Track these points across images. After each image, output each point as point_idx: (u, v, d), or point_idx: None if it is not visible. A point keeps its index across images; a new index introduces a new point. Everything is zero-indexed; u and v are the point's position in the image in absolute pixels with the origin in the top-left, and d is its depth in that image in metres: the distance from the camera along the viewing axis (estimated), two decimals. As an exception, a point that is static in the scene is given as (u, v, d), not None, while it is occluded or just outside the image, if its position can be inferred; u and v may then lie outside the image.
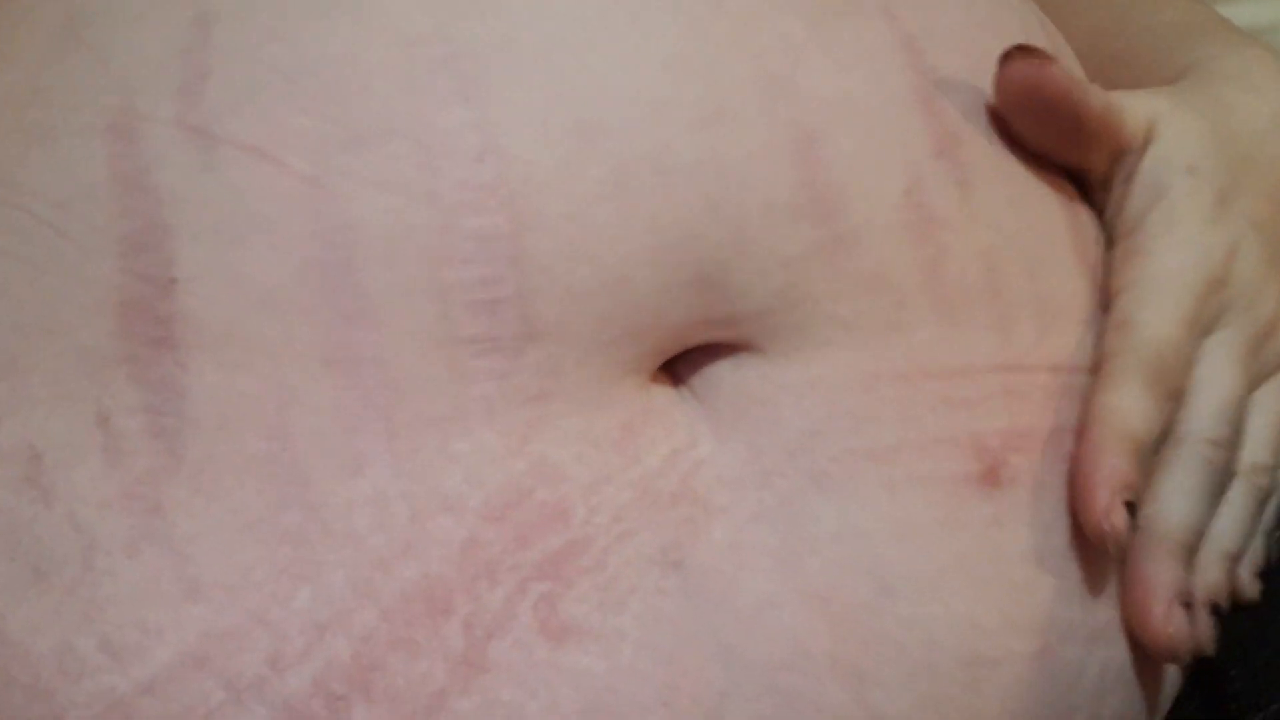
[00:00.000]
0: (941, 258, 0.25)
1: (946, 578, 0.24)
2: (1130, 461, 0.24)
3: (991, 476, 0.24)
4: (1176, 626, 0.25)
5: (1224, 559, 0.26)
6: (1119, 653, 0.26)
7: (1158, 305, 0.26)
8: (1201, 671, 0.29)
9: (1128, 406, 0.25)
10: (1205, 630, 0.25)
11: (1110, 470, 0.24)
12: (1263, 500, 0.27)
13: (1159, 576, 0.25)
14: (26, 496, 0.22)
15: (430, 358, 0.22)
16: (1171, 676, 0.27)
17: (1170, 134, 0.28)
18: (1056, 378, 0.26)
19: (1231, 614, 0.28)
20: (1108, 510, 0.24)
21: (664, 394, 0.24)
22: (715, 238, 0.23)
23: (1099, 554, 0.25)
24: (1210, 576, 0.26)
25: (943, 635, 0.24)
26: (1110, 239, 0.28)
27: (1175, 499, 0.25)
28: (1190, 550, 0.25)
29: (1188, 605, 0.25)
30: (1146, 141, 0.28)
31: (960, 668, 0.24)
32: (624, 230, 0.23)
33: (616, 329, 0.23)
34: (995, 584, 0.24)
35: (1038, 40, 0.28)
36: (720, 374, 0.25)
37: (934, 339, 0.25)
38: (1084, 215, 0.28)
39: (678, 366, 0.25)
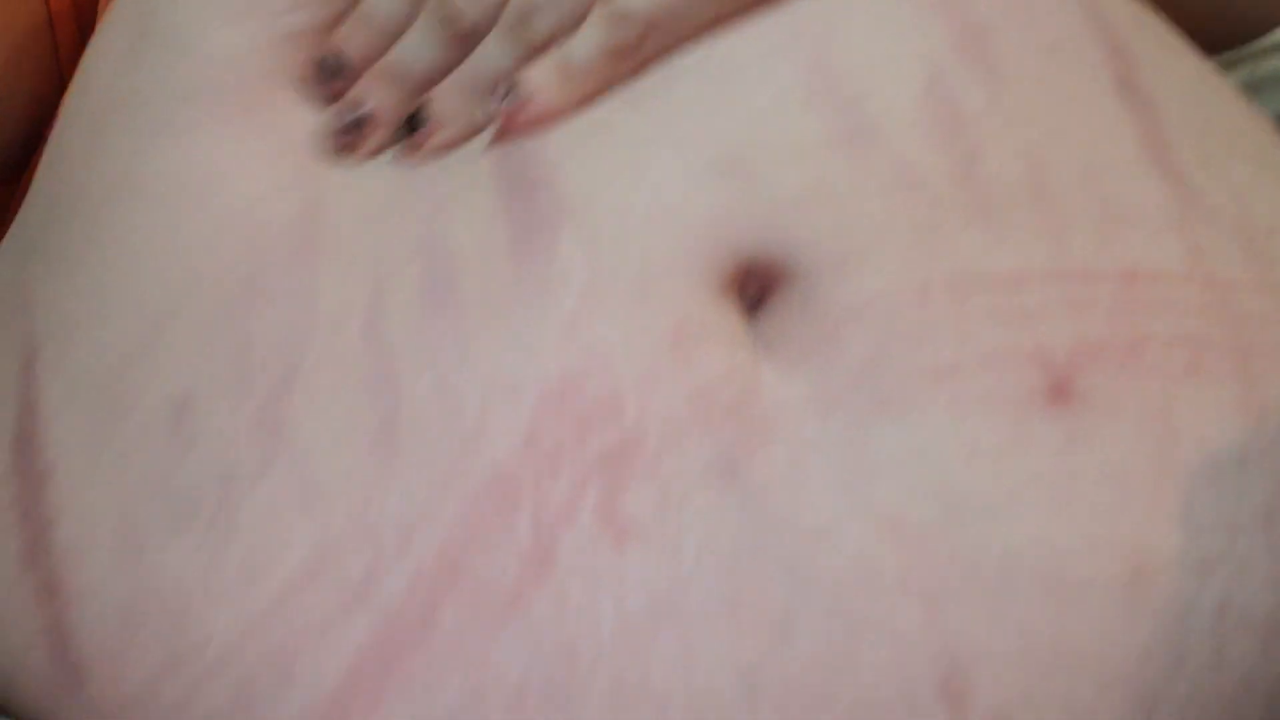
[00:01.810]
0: (974, 156, 0.25)
1: (1021, 499, 0.23)
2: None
3: (1060, 391, 0.24)
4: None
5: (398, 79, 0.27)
6: (1243, 591, 0.24)
7: None
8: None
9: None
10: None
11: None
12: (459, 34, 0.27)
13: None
14: (175, 446, 0.24)
15: (486, 241, 0.25)
16: None
17: None
18: (1132, 285, 0.25)
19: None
20: None
21: (726, 315, 0.25)
22: (726, 122, 0.25)
23: (1199, 477, 0.24)
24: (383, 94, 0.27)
25: (1021, 557, 0.23)
26: None
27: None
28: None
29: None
30: None
31: (1042, 591, 0.23)
32: None
33: (645, 206, 0.25)
34: (1074, 505, 0.23)
35: None
36: (784, 304, 0.25)
37: (979, 244, 0.24)
38: (1168, 111, 0.27)
39: (746, 309, 0.26)
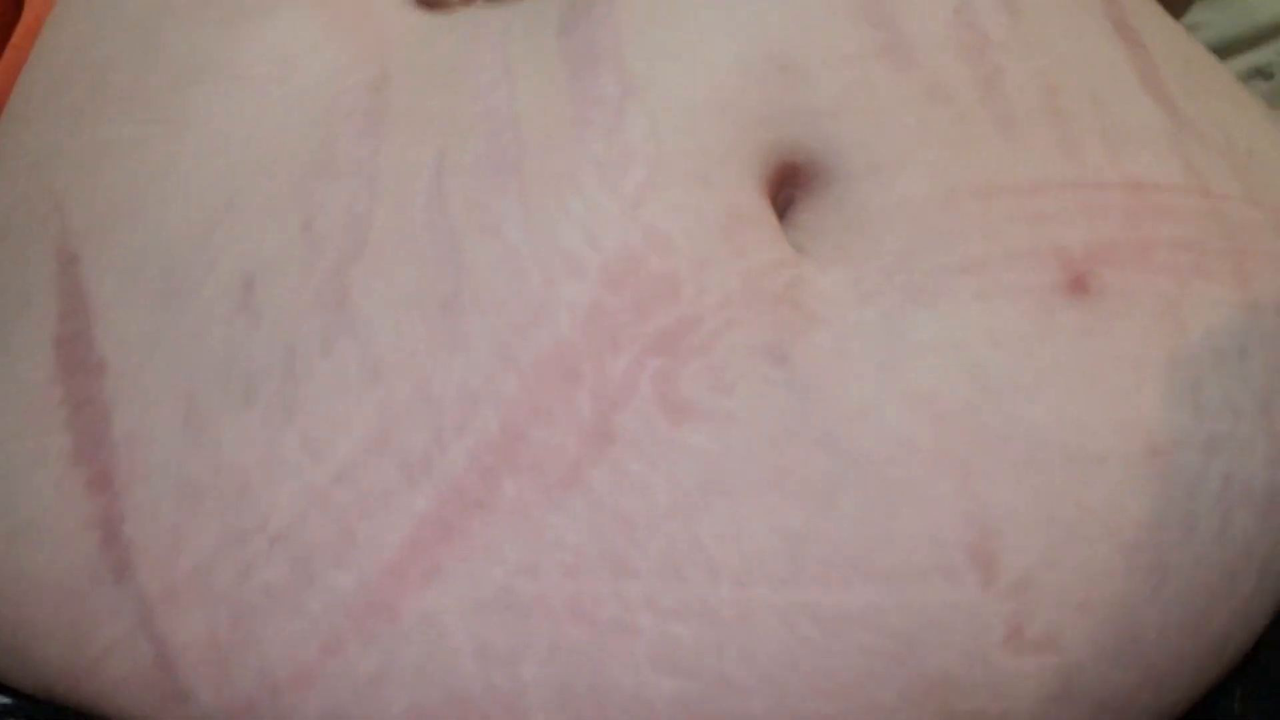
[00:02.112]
0: (997, 76, 0.27)
1: (1045, 380, 0.25)
2: None
3: (1078, 285, 0.26)
4: None
5: None
6: (1244, 469, 0.26)
7: None
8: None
9: None
10: None
11: None
12: None
13: None
14: (240, 324, 0.24)
15: (550, 114, 0.25)
16: None
17: None
18: (1138, 194, 0.27)
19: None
20: None
21: (770, 213, 0.26)
22: (781, 19, 0.26)
23: (1204, 363, 0.26)
24: None
25: (1046, 432, 0.25)
26: None
27: None
28: None
29: None
30: None
31: (1066, 462, 0.25)
32: (695, 4, 0.26)
33: (702, 92, 0.26)
34: (1095, 386, 0.25)
35: None
36: (820, 209, 0.26)
37: (1001, 155, 0.26)
38: (1156, 50, 0.29)
39: (783, 214, 0.27)
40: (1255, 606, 0.27)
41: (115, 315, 0.26)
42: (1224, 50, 0.59)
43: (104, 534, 0.24)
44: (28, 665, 0.25)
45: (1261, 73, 0.57)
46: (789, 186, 0.27)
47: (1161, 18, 0.31)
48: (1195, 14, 0.59)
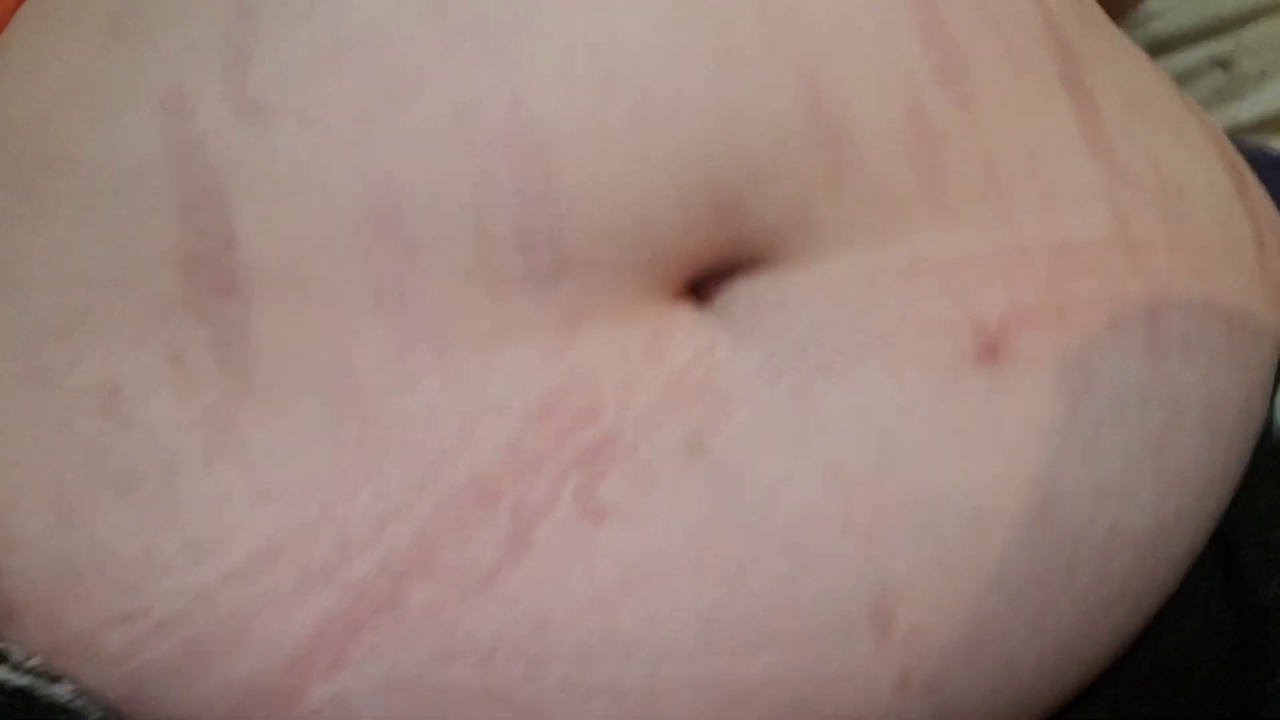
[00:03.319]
0: (941, 169, 0.27)
1: (947, 443, 0.26)
2: None
3: (989, 352, 0.26)
4: None
5: None
6: (1130, 514, 0.27)
7: None
8: (1215, 545, 0.30)
9: None
10: None
11: None
12: None
13: None
14: (108, 424, 0.24)
15: (473, 289, 0.24)
16: (1185, 544, 0.29)
17: None
18: (1063, 255, 0.27)
19: (1245, 491, 0.29)
20: None
21: (687, 311, 0.27)
22: (730, 172, 0.25)
23: (1105, 417, 0.27)
24: None
25: (944, 495, 0.25)
26: None
27: None
28: None
29: None
30: None
31: (962, 523, 0.25)
32: (645, 169, 0.25)
33: (642, 256, 0.25)
34: (994, 447, 0.26)
35: None
36: (737, 290, 0.27)
37: (933, 237, 0.26)
38: (1103, 98, 0.29)
39: (700, 287, 0.27)
40: (1127, 629, 0.29)
41: None
42: (1183, 39, 0.58)
43: None
44: None
45: (1221, 63, 0.57)
46: (723, 275, 0.27)
47: (1115, 57, 0.31)
48: (1155, 2, 0.58)
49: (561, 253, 0.25)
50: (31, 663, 0.24)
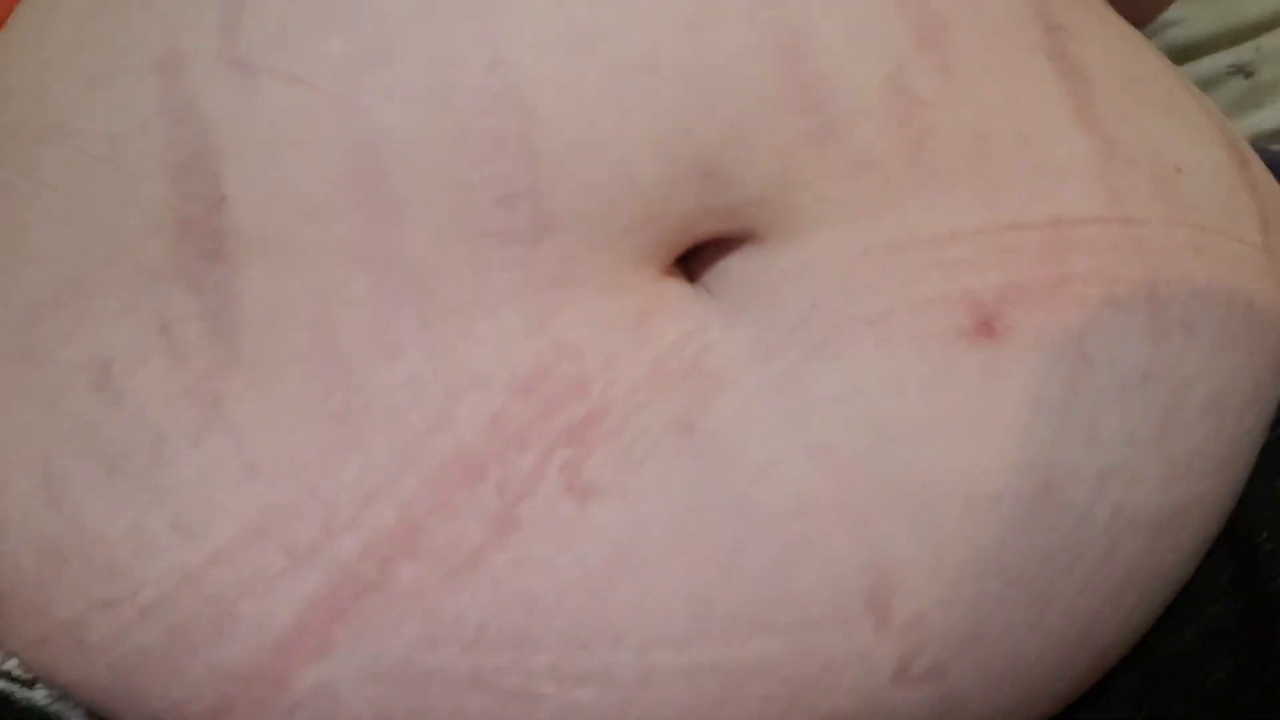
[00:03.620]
0: (926, 137, 0.26)
1: (942, 424, 0.25)
2: None
3: (985, 329, 0.26)
4: None
5: None
6: (1135, 497, 0.26)
7: None
8: (1231, 535, 0.30)
9: None
10: None
11: None
12: None
13: None
14: (97, 400, 0.24)
15: (454, 251, 0.24)
16: (1197, 531, 0.28)
17: None
18: (1058, 231, 0.27)
19: (1260, 478, 0.28)
20: None
21: (677, 288, 0.26)
22: (709, 131, 0.25)
23: (1106, 397, 0.26)
24: None
25: (941, 477, 0.25)
26: None
27: None
28: None
29: None
30: None
31: (959, 507, 0.25)
32: (623, 126, 0.25)
33: (624, 218, 0.25)
34: (991, 428, 0.25)
35: None
36: (728, 267, 0.27)
37: (922, 209, 0.26)
38: (1094, 74, 0.29)
39: (690, 266, 0.27)
40: (1137, 620, 0.28)
41: None
42: (1204, 47, 0.58)
43: None
44: None
45: (1242, 70, 0.56)
46: (714, 251, 0.27)
47: (1107, 35, 0.31)
48: (1175, 10, 0.58)
49: (542, 209, 0.25)
50: (6, 665, 0.24)
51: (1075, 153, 0.27)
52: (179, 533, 0.24)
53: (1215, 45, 0.56)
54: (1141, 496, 0.26)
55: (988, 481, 0.25)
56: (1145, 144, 0.29)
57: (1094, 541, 0.26)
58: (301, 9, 0.25)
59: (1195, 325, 0.27)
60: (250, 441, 0.24)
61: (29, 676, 0.24)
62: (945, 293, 0.26)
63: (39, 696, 0.24)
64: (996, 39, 0.28)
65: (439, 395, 0.24)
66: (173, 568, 0.24)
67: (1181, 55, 0.56)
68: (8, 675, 0.24)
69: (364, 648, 0.24)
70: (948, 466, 0.25)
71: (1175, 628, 0.29)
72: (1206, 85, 0.56)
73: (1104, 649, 0.27)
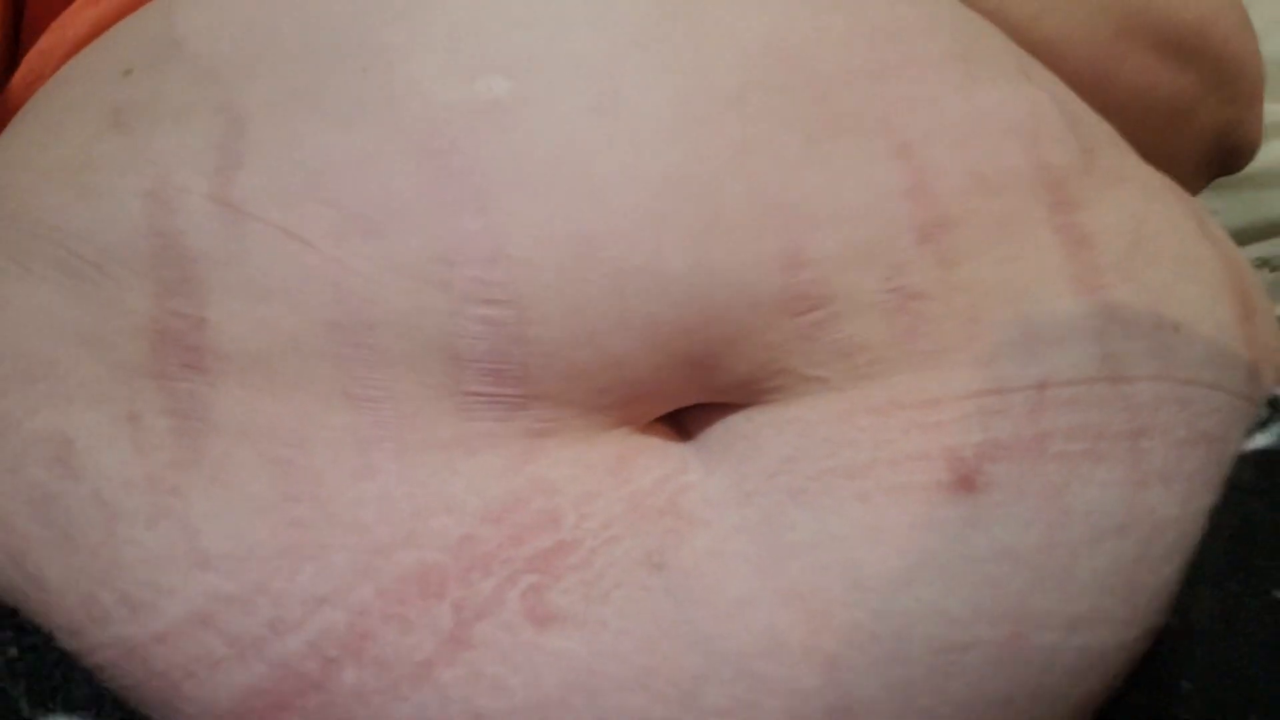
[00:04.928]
0: (918, 324, 0.27)
1: (917, 573, 0.25)
2: None
3: (965, 483, 0.26)
4: None
5: None
6: (1101, 638, 0.26)
7: None
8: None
9: None
10: None
11: None
12: None
13: None
14: (57, 473, 0.25)
15: (440, 401, 0.25)
16: (1143, 650, 0.28)
17: None
18: (1042, 393, 0.27)
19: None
20: None
21: (659, 436, 0.27)
22: (705, 334, 0.26)
23: (1081, 547, 0.26)
24: None
25: (914, 625, 0.25)
26: None
27: None
28: None
29: None
30: None
31: (930, 654, 0.25)
32: (621, 326, 0.25)
33: (611, 399, 0.26)
34: (966, 578, 0.25)
35: (1048, 119, 0.30)
36: (710, 418, 0.27)
37: (908, 381, 0.26)
38: (1101, 238, 0.29)
39: (674, 416, 0.27)
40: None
41: None
42: (1236, 237, 0.58)
43: None
44: None
45: (1268, 264, 0.57)
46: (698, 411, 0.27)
47: (1124, 196, 0.31)
48: (1214, 199, 0.59)
49: (530, 385, 0.25)
50: None
51: (1071, 319, 0.28)
52: (128, 609, 0.24)
53: (1245, 238, 0.57)
54: (1107, 636, 0.26)
55: (958, 630, 0.25)
56: (1148, 302, 0.29)
57: (1057, 682, 0.26)
58: (302, 171, 0.25)
59: (1173, 476, 0.27)
60: (205, 533, 0.24)
61: None
62: (926, 449, 0.26)
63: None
64: (1005, 226, 0.28)
65: (407, 514, 0.24)
66: (120, 640, 0.24)
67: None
68: None
69: None
70: (922, 615, 0.25)
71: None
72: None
73: None
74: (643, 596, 0.24)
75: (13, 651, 0.24)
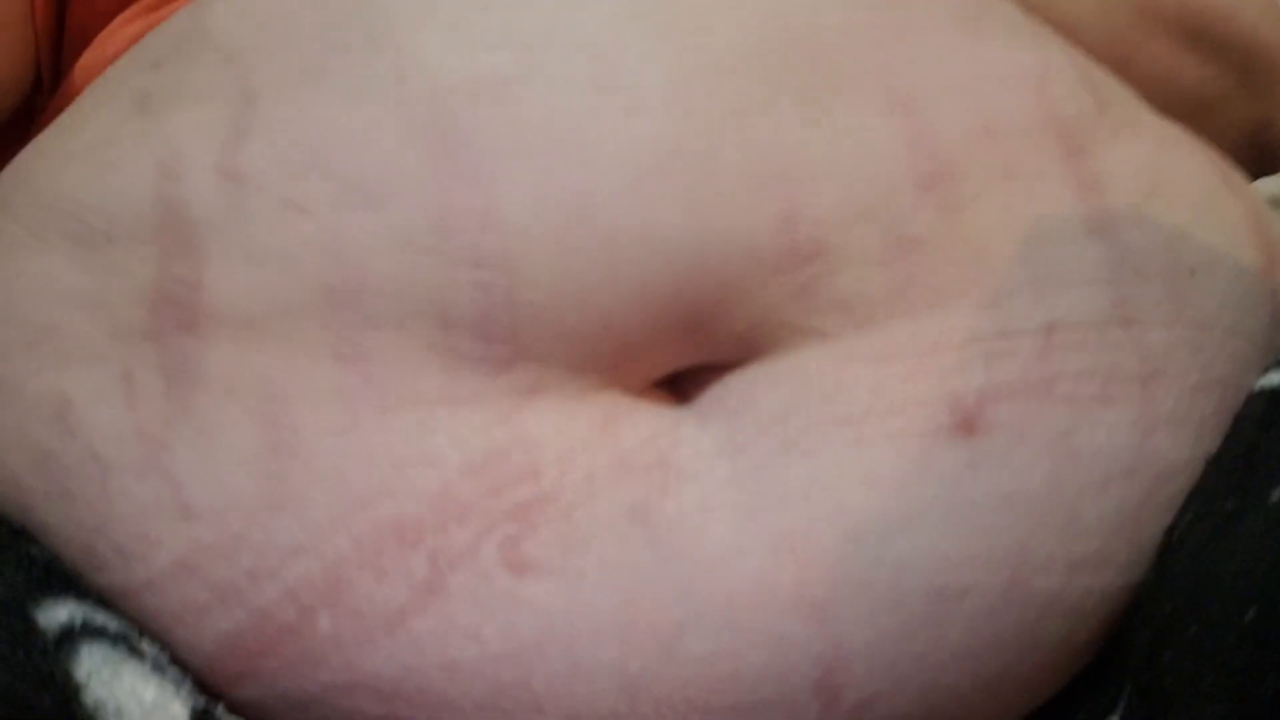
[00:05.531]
0: (917, 273, 0.26)
1: (913, 519, 0.24)
2: None
3: (966, 426, 0.25)
4: None
5: None
6: (1102, 582, 0.26)
7: None
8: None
9: None
10: None
11: None
12: None
13: None
14: (57, 430, 0.26)
15: (428, 359, 0.25)
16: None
17: None
18: (1050, 335, 0.26)
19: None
20: None
21: (651, 396, 0.27)
22: (699, 294, 0.26)
23: (1087, 490, 0.25)
24: None
25: (908, 571, 0.24)
26: None
27: None
28: None
29: None
30: None
31: (925, 600, 0.24)
32: (612, 288, 0.25)
33: (603, 361, 0.26)
34: (964, 522, 0.25)
35: (1059, 72, 0.29)
36: (707, 380, 0.27)
37: (908, 328, 0.26)
38: (1112, 189, 0.28)
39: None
40: (1079, 669, 0.27)
41: None
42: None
43: None
44: None
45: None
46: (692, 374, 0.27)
47: (1139, 141, 0.30)
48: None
49: (519, 348, 0.25)
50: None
51: (1082, 261, 0.27)
52: (120, 558, 0.25)
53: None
54: (1111, 578, 0.26)
55: (956, 576, 0.24)
56: (1162, 245, 0.28)
57: (1057, 626, 0.25)
58: (305, 141, 0.26)
59: (1183, 420, 0.26)
60: (189, 485, 0.25)
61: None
62: (925, 394, 0.25)
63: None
64: (1008, 168, 0.28)
65: (387, 466, 0.24)
66: (115, 587, 0.25)
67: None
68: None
69: (284, 682, 0.24)
70: (916, 560, 0.24)
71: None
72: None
73: (1044, 699, 0.27)
74: (624, 548, 0.24)
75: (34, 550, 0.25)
